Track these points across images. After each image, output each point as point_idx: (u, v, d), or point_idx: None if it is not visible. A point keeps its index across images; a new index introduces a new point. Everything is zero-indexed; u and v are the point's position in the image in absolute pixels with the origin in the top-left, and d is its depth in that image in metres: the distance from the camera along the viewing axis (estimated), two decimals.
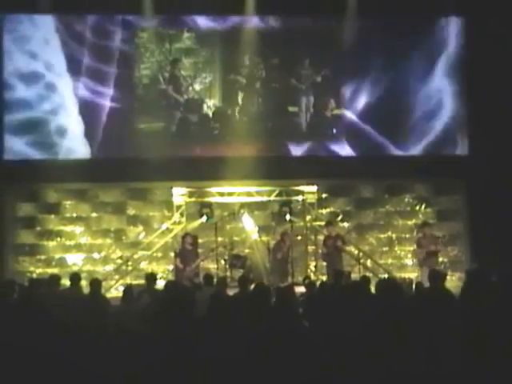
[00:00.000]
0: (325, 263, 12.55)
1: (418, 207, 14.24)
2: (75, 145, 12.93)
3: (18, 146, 12.76)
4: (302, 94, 13.31)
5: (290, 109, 13.37)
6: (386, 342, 5.77)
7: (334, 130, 13.40)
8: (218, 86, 13.33)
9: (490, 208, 12.83)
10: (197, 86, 13.26)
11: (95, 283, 8.76)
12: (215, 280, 9.54)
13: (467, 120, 13.30)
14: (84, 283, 9.85)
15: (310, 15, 13.12)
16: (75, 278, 9.33)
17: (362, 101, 13.29)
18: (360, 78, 13.31)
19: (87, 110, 12.95)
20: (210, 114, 13.33)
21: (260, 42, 13.11)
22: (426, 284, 8.34)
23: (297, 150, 13.33)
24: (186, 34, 13.23)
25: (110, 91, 12.97)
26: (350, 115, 13.35)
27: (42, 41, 12.83)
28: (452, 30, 13.44)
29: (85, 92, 12.93)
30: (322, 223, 13.61)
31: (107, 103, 12.95)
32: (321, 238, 13.19)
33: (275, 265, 12.44)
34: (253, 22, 13.13)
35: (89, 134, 12.94)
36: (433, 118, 13.30)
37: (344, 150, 13.31)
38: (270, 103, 13.37)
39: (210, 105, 13.29)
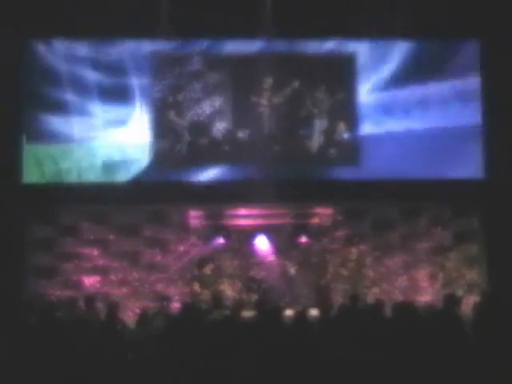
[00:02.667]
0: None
1: (434, 229, 14.18)
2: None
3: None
4: (316, 117, 13.30)
5: (302, 132, 13.35)
6: (402, 364, 5.76)
7: (348, 153, 13.37)
8: (229, 109, 13.35)
9: (507, 230, 12.76)
10: (207, 110, 13.27)
11: (113, 306, 8.82)
12: (226, 302, 9.59)
13: (484, 142, 13.25)
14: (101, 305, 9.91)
15: (325, 39, 13.21)
16: (90, 300, 9.41)
17: (375, 124, 13.28)
18: (373, 101, 13.31)
19: None
20: (220, 138, 13.33)
21: (273, 65, 13.16)
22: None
23: (309, 173, 13.28)
24: (196, 58, 13.29)
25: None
26: (363, 138, 13.33)
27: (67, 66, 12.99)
28: (470, 53, 13.42)
29: None
30: (338, 246, 13.67)
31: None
32: (338, 260, 13.27)
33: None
34: (266, 45, 13.21)
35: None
36: (450, 141, 13.24)
37: (358, 172, 13.26)
38: (283, 126, 13.34)
39: (221, 128, 13.30)
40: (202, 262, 12.52)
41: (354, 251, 13.28)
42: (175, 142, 13.23)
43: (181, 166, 13.20)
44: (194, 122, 13.23)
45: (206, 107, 13.24)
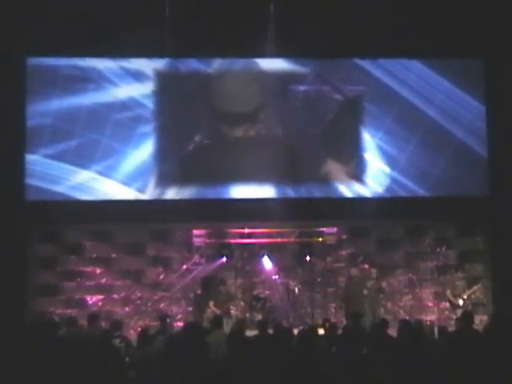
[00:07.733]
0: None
1: (439, 248, 14.13)
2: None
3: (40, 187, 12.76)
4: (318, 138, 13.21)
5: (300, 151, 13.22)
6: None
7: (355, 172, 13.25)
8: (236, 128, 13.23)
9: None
10: (210, 129, 13.14)
11: (114, 324, 8.79)
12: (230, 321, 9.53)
13: (489, 161, 13.19)
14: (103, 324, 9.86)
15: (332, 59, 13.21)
16: (93, 318, 9.37)
17: (382, 143, 13.21)
18: (380, 121, 13.23)
19: None
20: (222, 157, 13.08)
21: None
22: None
23: (314, 191, 13.14)
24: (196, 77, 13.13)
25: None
26: (370, 156, 13.24)
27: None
28: (474, 72, 13.37)
29: None
30: (343, 264, 13.62)
31: None
32: (341, 279, 13.25)
33: None
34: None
35: None
36: (455, 159, 13.17)
37: (364, 191, 13.17)
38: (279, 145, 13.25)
39: (223, 148, 13.13)
40: (223, 281, 12.62)
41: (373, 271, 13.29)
42: (178, 161, 13.07)
43: (184, 184, 13.05)
44: (197, 141, 13.09)
45: (209, 127, 13.11)
